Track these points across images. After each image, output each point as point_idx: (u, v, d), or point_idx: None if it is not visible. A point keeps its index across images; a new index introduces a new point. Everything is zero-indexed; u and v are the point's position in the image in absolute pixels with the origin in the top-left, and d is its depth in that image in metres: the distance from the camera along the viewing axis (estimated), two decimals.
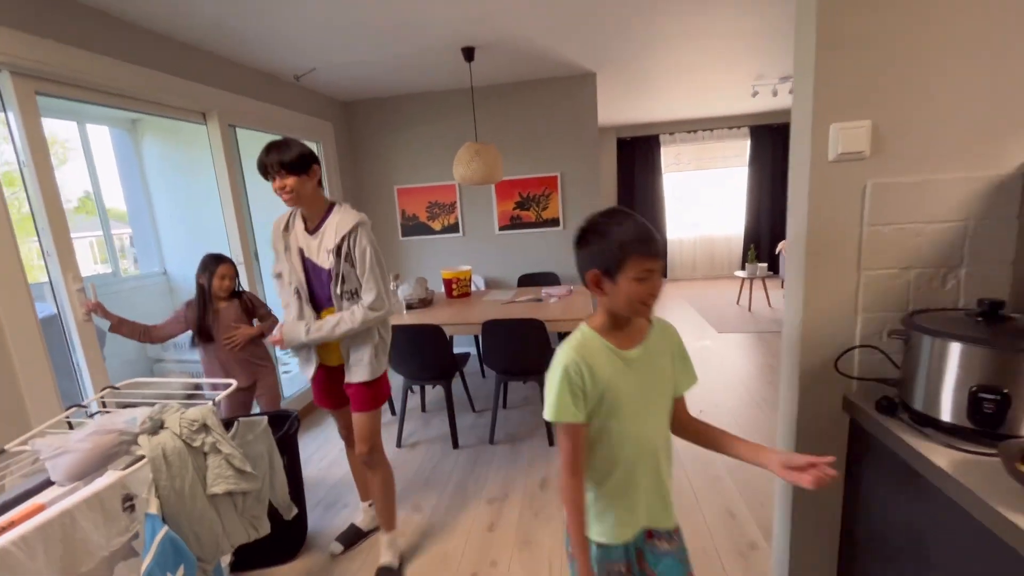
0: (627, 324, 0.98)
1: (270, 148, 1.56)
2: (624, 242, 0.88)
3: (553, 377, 0.93)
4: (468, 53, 2.97)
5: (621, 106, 5.37)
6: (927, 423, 1.01)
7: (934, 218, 1.11)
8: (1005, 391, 0.90)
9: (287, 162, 1.55)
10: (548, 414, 0.94)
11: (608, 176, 7.01)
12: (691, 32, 2.97)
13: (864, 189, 1.12)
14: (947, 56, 1.06)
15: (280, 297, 1.78)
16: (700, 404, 3.18)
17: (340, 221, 1.64)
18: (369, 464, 1.87)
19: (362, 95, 3.99)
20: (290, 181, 1.56)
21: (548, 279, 4.06)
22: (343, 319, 1.64)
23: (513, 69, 3.54)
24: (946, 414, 0.98)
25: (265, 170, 1.58)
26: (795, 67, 1.17)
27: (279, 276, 1.77)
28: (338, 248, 1.62)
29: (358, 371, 1.74)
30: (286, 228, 1.70)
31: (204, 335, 2.21)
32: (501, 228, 4.22)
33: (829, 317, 1.19)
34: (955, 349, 0.95)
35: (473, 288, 4.03)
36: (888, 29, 1.06)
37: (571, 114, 3.91)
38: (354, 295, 1.66)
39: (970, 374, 0.94)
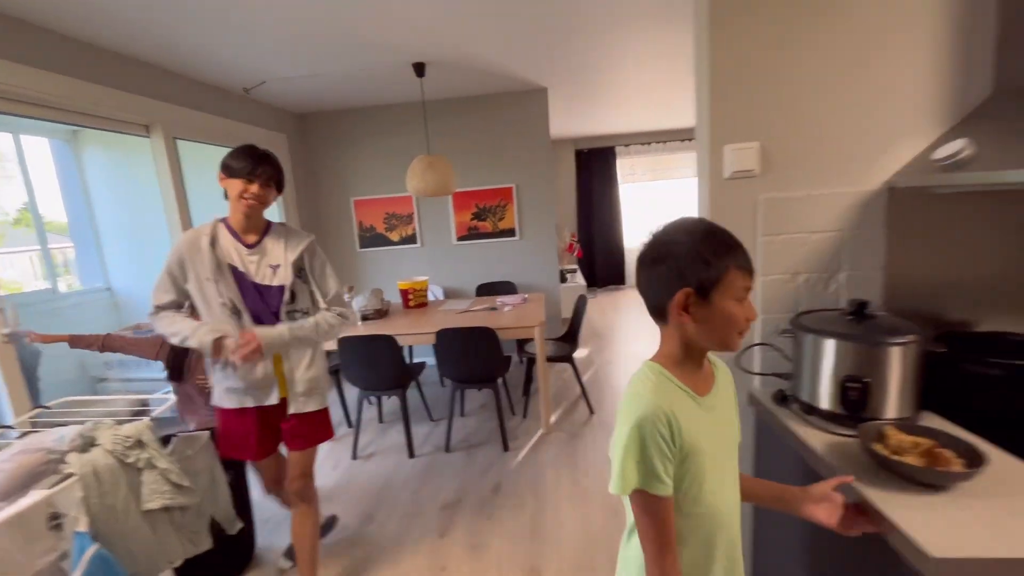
0: (701, 361, 0.80)
1: (263, 157, 1.51)
2: (720, 252, 0.71)
3: (629, 433, 0.70)
4: (419, 68, 3.04)
5: (576, 119, 5.55)
6: (811, 411, 1.14)
7: (816, 229, 1.24)
8: (867, 380, 1.03)
9: (275, 174, 1.54)
10: (625, 484, 0.71)
11: (568, 186, 7.18)
12: (635, 52, 3.13)
13: (756, 203, 1.24)
14: (821, 88, 1.20)
15: (161, 327, 1.55)
16: None
17: (290, 237, 1.61)
18: (306, 497, 1.73)
19: (316, 107, 3.99)
20: (271, 194, 1.54)
21: (506, 288, 4.14)
22: (319, 321, 1.60)
23: (465, 84, 3.63)
24: (824, 402, 1.10)
25: (247, 174, 1.47)
26: (696, 94, 1.29)
27: (173, 307, 1.57)
28: (296, 264, 1.58)
29: (316, 399, 1.66)
30: (213, 244, 1.52)
31: (176, 374, 2.09)
32: (459, 238, 4.28)
33: None
34: (828, 344, 1.08)
35: (432, 298, 4.07)
36: (771, 64, 1.19)
37: (524, 127, 4.03)
38: (305, 314, 1.61)
39: (840, 366, 1.07)
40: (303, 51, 2.68)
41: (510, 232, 4.20)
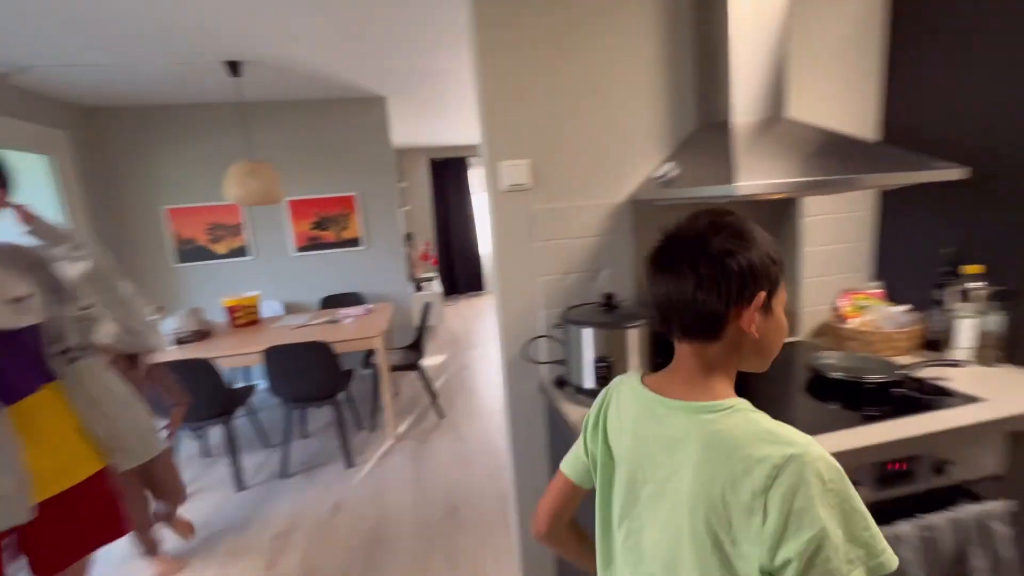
0: None
1: None
2: (777, 254, 0.61)
3: (846, 492, 0.53)
4: (233, 67, 2.82)
5: (425, 129, 5.61)
6: (580, 391, 1.32)
7: (581, 234, 1.45)
8: (611, 359, 1.24)
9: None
10: (891, 556, 0.54)
11: (424, 195, 7.21)
12: (464, 67, 3.29)
13: (531, 213, 1.41)
14: (578, 118, 1.41)
15: None
16: (500, 409, 3.49)
17: (25, 253, 1.21)
18: None
19: (113, 102, 3.44)
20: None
21: (352, 300, 4.01)
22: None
23: (294, 87, 3.46)
24: (586, 381, 1.30)
25: None
26: (479, 116, 1.42)
27: None
28: (50, 284, 1.22)
29: (150, 444, 1.33)
30: None
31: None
32: (299, 249, 4.03)
33: (521, 315, 1.46)
34: (584, 332, 1.27)
35: (270, 314, 3.77)
36: (537, 95, 1.37)
37: (364, 135, 3.96)
38: (85, 352, 1.26)
39: (593, 349, 1.27)
40: (85, 34, 2.31)
41: (354, 242, 4.09)
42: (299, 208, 3.97)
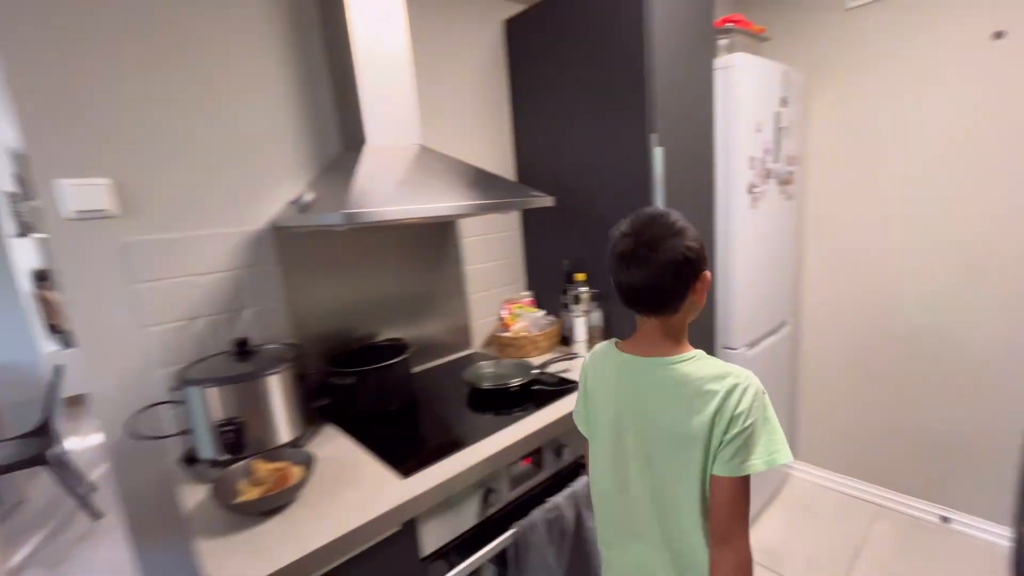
0: None
1: None
2: (700, 237, 0.81)
3: (766, 407, 0.76)
4: None
5: None
6: (215, 464, 1.07)
7: (208, 270, 1.20)
8: (240, 419, 1.04)
9: None
10: (786, 454, 0.76)
11: None
12: None
13: (123, 246, 1.09)
14: (189, 136, 1.15)
15: None
16: None
17: None
18: None
19: None
20: None
21: None
22: None
23: None
24: (213, 452, 1.05)
25: None
26: (7, 117, 1.01)
27: None
28: None
29: None
30: None
31: None
32: None
33: (124, 382, 1.11)
34: (204, 392, 1.03)
35: None
36: (113, 100, 1.05)
37: None
38: None
39: (219, 410, 1.04)
40: None
41: None
42: None
